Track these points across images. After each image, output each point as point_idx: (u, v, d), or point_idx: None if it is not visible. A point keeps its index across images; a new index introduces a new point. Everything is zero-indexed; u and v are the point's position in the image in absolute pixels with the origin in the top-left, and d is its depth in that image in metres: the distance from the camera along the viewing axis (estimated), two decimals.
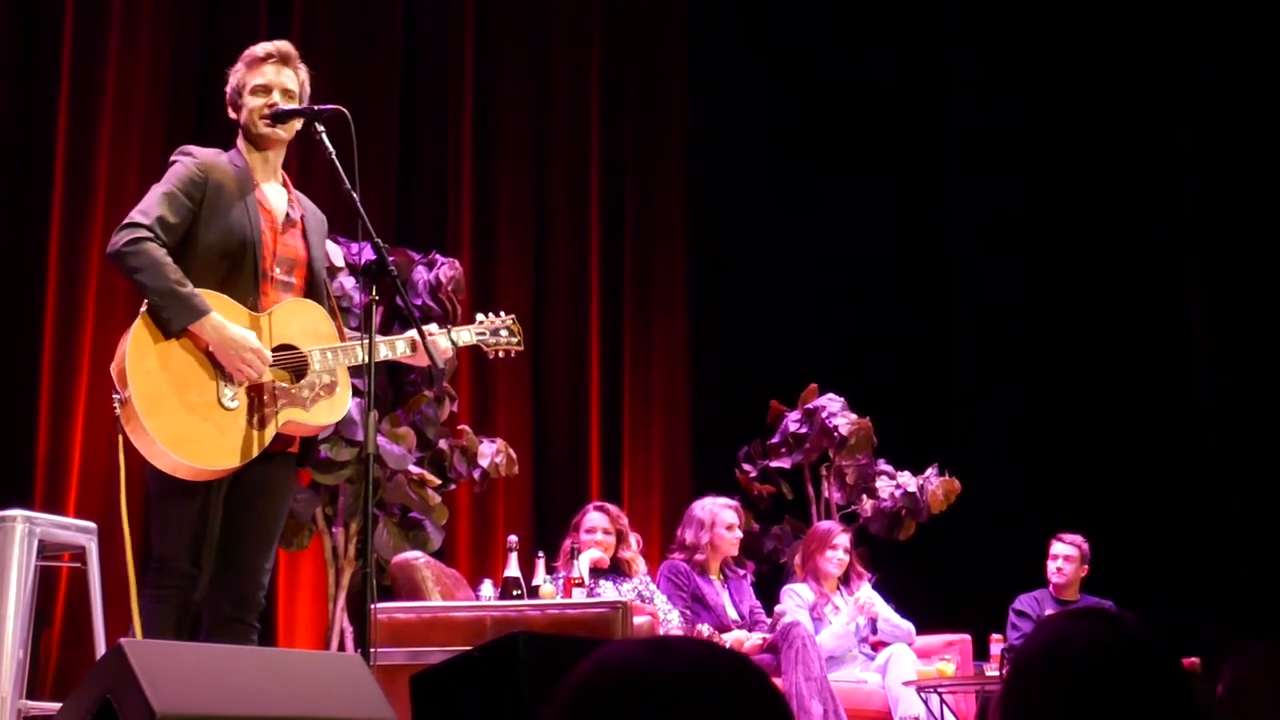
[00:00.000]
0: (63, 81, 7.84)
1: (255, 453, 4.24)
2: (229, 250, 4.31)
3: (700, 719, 1.37)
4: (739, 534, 7.55)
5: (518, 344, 4.92)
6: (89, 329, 7.60)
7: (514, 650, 2.94)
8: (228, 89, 4.51)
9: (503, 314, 4.95)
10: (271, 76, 4.47)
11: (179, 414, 4.14)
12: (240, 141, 4.49)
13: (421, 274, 7.49)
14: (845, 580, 7.75)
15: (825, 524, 8.20)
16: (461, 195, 9.39)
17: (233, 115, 4.50)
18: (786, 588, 7.77)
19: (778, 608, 7.49)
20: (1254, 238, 9.44)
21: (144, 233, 4.20)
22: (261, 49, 4.51)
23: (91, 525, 5.45)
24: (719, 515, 7.52)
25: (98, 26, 7.97)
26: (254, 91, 4.45)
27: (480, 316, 4.92)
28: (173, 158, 4.42)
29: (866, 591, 7.64)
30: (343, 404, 4.46)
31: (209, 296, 4.23)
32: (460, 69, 9.50)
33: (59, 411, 7.52)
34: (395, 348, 4.54)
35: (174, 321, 4.15)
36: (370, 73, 9.12)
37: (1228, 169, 9.57)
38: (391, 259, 7.39)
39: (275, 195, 4.50)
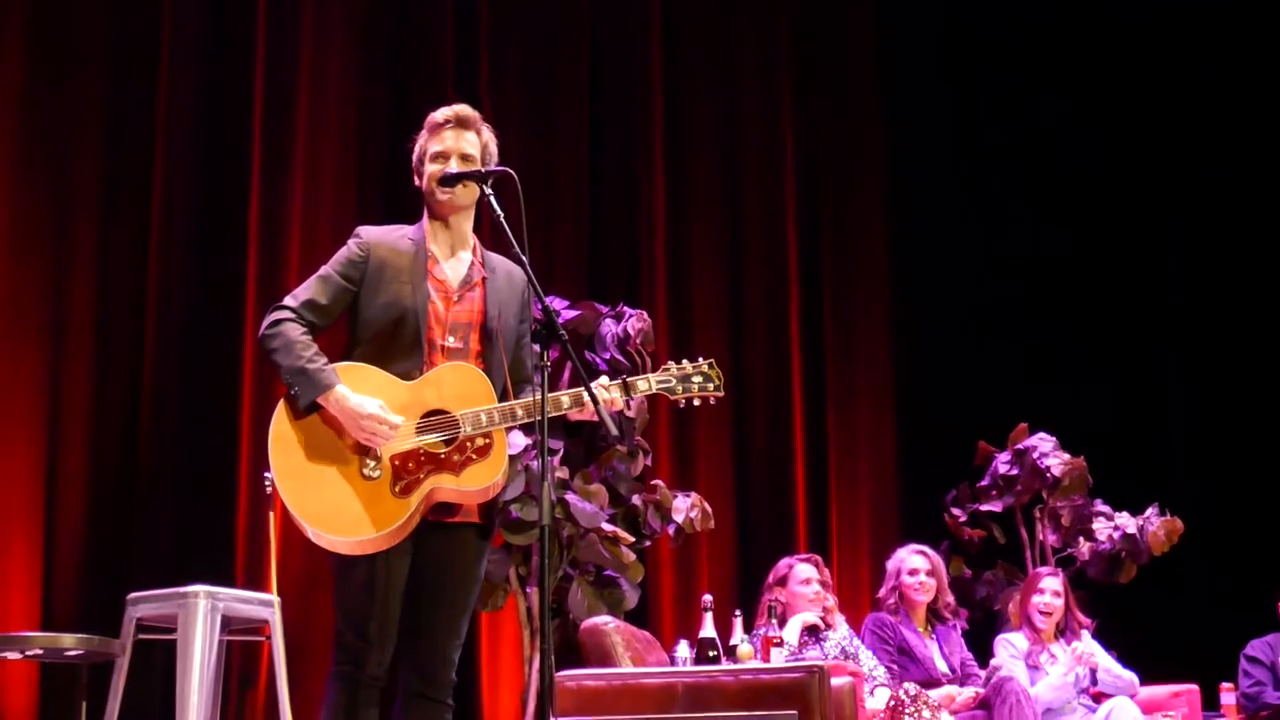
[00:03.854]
0: (254, 148, 7.98)
1: (401, 519, 4.14)
2: (390, 323, 4.28)
3: None
4: (925, 579, 7.26)
5: (715, 389, 4.57)
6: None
7: None
8: (413, 157, 4.46)
9: (700, 359, 4.66)
10: (450, 143, 4.38)
11: (318, 490, 4.14)
12: (425, 209, 4.45)
13: (609, 327, 7.40)
14: (1064, 629, 7.47)
15: (1041, 569, 7.93)
16: (655, 244, 9.33)
17: (417, 183, 4.45)
18: (1000, 637, 7.51)
19: (993, 661, 7.23)
20: None
21: (286, 314, 4.25)
22: (440, 114, 4.43)
23: (272, 598, 5.43)
24: (903, 562, 7.35)
25: (286, 85, 8.12)
26: (433, 158, 4.38)
27: (670, 364, 4.65)
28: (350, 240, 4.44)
29: (1085, 640, 7.35)
30: (497, 466, 4.28)
31: (351, 369, 4.21)
32: (649, 119, 9.44)
33: (257, 487, 7.59)
34: (560, 403, 4.36)
35: (302, 397, 4.17)
36: (560, 127, 9.13)
37: None
38: (577, 313, 7.37)
39: (453, 262, 4.42)
